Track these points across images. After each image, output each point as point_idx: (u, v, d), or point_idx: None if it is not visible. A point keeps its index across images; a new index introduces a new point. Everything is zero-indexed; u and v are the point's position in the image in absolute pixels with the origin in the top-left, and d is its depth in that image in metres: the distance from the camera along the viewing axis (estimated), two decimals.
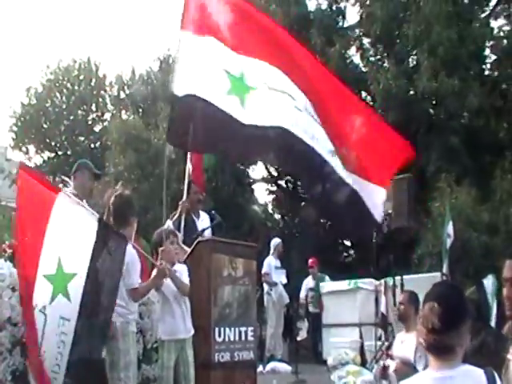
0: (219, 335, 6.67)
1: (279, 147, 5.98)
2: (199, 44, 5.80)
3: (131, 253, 5.34)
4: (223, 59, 5.80)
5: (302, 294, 12.55)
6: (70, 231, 4.56)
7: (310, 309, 12.49)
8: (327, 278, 12.57)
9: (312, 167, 6.01)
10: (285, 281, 12.15)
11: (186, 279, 6.07)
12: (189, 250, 6.86)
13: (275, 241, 12.56)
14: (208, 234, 7.71)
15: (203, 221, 8.03)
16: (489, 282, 10.13)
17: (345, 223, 6.58)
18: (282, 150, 6.05)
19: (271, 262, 12.12)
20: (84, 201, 6.62)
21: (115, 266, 4.67)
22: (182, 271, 6.07)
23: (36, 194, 4.79)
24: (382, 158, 5.97)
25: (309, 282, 12.74)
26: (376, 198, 5.94)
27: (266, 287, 12.11)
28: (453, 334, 2.61)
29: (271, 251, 12.36)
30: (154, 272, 5.66)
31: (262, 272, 11.98)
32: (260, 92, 5.82)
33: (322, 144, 5.83)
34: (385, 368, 6.07)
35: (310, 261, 13.06)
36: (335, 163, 5.83)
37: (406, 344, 6.03)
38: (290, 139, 5.80)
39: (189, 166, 7.92)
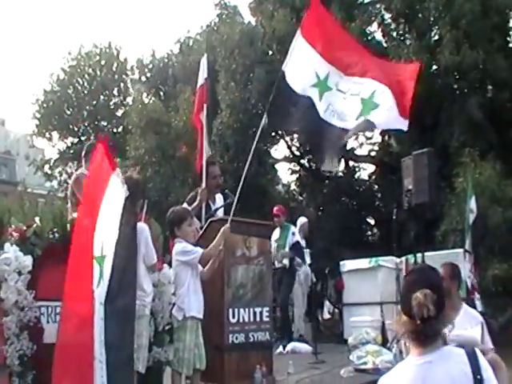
0: (233, 316, 6.61)
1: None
2: (304, 48, 6.76)
3: (146, 229, 5.33)
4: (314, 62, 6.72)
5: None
6: (110, 211, 4.34)
7: (276, 264, 10.72)
8: (293, 227, 11.67)
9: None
10: (309, 261, 11.93)
11: None
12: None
13: (301, 220, 12.25)
14: (221, 213, 7.61)
15: (218, 204, 7.93)
16: None
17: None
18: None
19: None
20: None
21: (132, 247, 4.43)
22: None
23: (102, 171, 4.54)
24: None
25: (275, 233, 10.81)
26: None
27: None
28: (441, 318, 2.51)
29: (297, 230, 11.89)
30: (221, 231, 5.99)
31: None
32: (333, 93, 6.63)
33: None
34: None
35: (276, 209, 11.39)
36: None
37: (459, 324, 4.85)
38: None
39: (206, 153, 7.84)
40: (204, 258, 5.92)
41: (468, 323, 5.05)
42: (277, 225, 11.06)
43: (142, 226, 5.30)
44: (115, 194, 4.40)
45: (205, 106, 8.17)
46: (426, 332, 2.50)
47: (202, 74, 8.64)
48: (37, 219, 5.34)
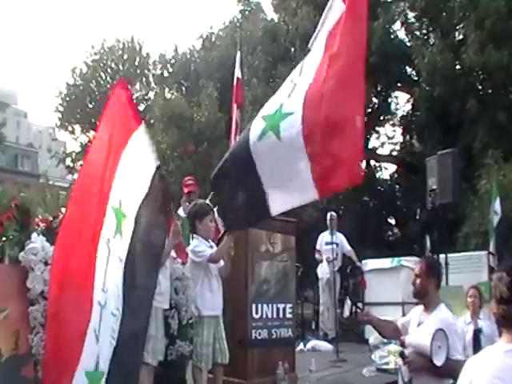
0: (256, 312, 6.59)
1: None
2: None
3: None
4: None
5: None
6: (134, 170, 4.28)
7: None
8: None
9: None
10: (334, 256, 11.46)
11: None
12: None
13: (328, 215, 11.93)
14: None
15: None
16: None
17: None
18: None
19: (323, 238, 11.67)
20: None
21: (158, 239, 4.41)
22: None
23: (123, 116, 4.33)
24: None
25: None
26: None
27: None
28: None
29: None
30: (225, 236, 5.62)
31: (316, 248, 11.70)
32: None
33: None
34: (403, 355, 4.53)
35: (190, 183, 9.64)
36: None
37: (425, 328, 4.53)
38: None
39: None
40: (213, 259, 5.79)
41: (434, 327, 4.39)
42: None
43: None
44: (142, 156, 4.31)
45: (235, 106, 8.05)
46: (505, 315, 2.52)
47: (236, 70, 8.47)
48: (63, 210, 5.34)
